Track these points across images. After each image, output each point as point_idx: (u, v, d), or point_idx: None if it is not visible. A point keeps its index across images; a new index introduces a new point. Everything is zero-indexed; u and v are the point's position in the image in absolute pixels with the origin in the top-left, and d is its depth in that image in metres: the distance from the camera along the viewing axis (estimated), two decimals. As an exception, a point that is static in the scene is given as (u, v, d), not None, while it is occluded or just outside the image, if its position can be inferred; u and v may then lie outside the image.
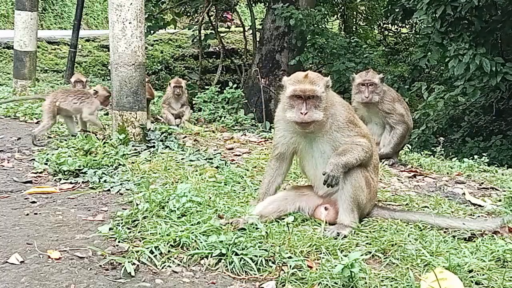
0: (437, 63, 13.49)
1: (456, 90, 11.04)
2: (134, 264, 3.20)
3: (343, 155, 3.89)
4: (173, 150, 5.96)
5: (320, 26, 14.53)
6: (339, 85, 13.53)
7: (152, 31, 15.96)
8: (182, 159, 5.64)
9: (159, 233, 3.52)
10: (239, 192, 4.65)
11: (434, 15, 10.79)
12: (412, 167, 6.60)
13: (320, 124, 3.93)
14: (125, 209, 4.04)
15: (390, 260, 3.43)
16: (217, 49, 20.38)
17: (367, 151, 3.98)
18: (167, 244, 3.40)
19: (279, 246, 3.39)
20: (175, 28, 18.07)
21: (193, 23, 18.02)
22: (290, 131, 4.12)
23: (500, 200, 5.12)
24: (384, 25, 25.31)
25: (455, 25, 11.19)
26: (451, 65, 10.44)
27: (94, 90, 6.90)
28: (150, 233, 3.57)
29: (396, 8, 15.26)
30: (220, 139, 6.99)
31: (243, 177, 5.08)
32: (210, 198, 4.28)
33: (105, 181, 4.91)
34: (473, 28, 11.19)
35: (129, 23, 5.99)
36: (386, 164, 6.31)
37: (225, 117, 9.66)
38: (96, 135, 6.37)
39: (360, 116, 5.46)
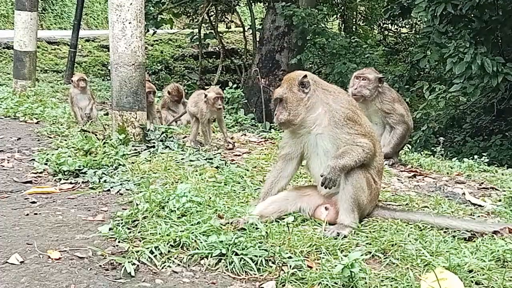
0: (437, 63, 13.50)
1: (455, 87, 11.00)
2: (134, 264, 3.20)
3: (341, 158, 3.89)
4: (173, 150, 5.96)
5: (321, 26, 14.54)
6: (340, 85, 13.53)
7: (150, 30, 15.93)
8: (182, 159, 5.63)
9: (159, 233, 3.52)
10: (239, 192, 4.65)
11: (433, 13, 10.78)
12: (412, 167, 6.60)
13: (290, 123, 4.06)
14: (125, 209, 4.04)
15: (390, 260, 3.43)
16: (217, 49, 20.41)
17: (368, 152, 3.97)
18: (167, 244, 3.40)
19: (279, 246, 3.39)
20: (171, 28, 18.09)
21: (193, 23, 18.03)
22: (297, 132, 4.14)
23: (500, 200, 5.13)
24: (384, 25, 25.34)
25: (455, 22, 11.19)
26: (450, 62, 10.43)
27: (204, 93, 6.63)
28: (150, 233, 3.56)
29: (394, 5, 15.29)
30: (220, 139, 6.98)
31: (243, 177, 5.08)
32: (210, 198, 4.27)
33: (105, 181, 4.90)
34: (473, 25, 11.19)
35: (129, 23, 5.99)
36: (386, 164, 6.30)
37: (225, 117, 9.66)
38: (96, 135, 6.37)
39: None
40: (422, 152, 7.84)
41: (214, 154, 5.85)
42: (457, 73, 10.58)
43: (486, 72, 10.16)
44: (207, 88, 7.70)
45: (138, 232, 3.61)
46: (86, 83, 8.27)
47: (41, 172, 5.25)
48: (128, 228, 3.70)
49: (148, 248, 3.34)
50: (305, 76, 4.06)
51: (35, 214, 4.08)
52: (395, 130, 6.45)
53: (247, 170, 5.37)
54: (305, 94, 4.03)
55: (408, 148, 8.12)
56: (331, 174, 3.85)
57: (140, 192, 4.40)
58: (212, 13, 18.87)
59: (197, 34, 17.46)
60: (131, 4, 5.99)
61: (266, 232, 3.59)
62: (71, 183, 4.95)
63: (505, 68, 10.30)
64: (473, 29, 11.24)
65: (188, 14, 19.91)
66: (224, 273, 3.21)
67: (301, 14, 13.66)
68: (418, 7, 11.14)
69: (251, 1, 18.16)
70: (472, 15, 11.23)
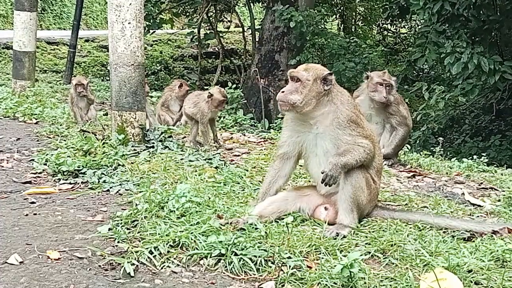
0: (435, 62, 13.49)
1: (456, 90, 11.04)
2: (133, 264, 3.20)
3: (343, 156, 3.90)
4: (173, 150, 5.96)
5: (320, 27, 14.55)
6: (339, 84, 13.52)
7: (150, 31, 15.94)
8: (181, 159, 5.63)
9: (159, 234, 3.52)
10: (239, 193, 4.65)
11: (430, 11, 10.79)
12: (411, 167, 6.60)
13: (296, 108, 4.01)
14: (125, 209, 4.04)
15: (389, 260, 3.43)
16: (217, 49, 20.40)
17: (368, 153, 3.99)
18: (167, 244, 3.40)
19: (279, 246, 3.39)
20: (172, 28, 18.06)
21: (192, 23, 18.02)
22: (297, 130, 4.15)
23: (499, 200, 5.13)
24: (383, 25, 25.35)
25: (452, 21, 11.20)
26: (447, 62, 10.43)
27: (209, 93, 6.59)
28: (150, 234, 3.56)
29: (393, 6, 15.30)
30: (219, 139, 6.97)
31: (242, 177, 5.08)
32: (209, 198, 4.27)
33: (104, 181, 4.90)
34: (470, 25, 11.20)
35: (128, 23, 5.99)
36: (385, 164, 6.30)
37: (224, 117, 9.66)
38: (95, 135, 6.37)
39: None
40: (421, 152, 7.84)
41: (213, 155, 5.85)
42: (454, 73, 10.60)
43: (483, 71, 10.17)
44: (207, 89, 7.69)
45: (138, 232, 3.61)
46: (84, 87, 8.16)
47: (40, 173, 5.25)
48: (128, 229, 3.70)
49: (147, 248, 3.34)
50: (331, 73, 4.12)
51: (35, 214, 4.08)
52: (397, 131, 6.48)
53: (247, 170, 5.37)
54: (323, 90, 4.05)
55: (408, 148, 8.12)
56: (332, 171, 3.86)
57: (140, 192, 4.40)
58: (212, 13, 18.86)
59: (197, 34, 17.46)
60: (130, 4, 5.98)
61: (266, 232, 3.59)
62: (70, 183, 4.95)
63: (503, 66, 10.30)
64: (470, 28, 11.25)
65: (187, 14, 19.90)
66: (224, 273, 3.21)
67: (298, 17, 13.66)
68: (416, 5, 11.13)
69: (250, 1, 18.15)
70: (469, 15, 11.24)
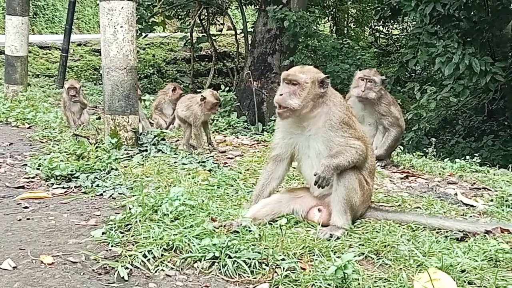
0: (428, 63, 13.53)
1: (445, 89, 11.06)
2: (127, 268, 3.20)
3: (335, 157, 3.91)
4: (166, 153, 5.95)
5: (313, 28, 14.58)
6: (332, 86, 13.54)
7: (142, 34, 15.93)
8: (174, 162, 5.63)
9: (152, 237, 3.52)
10: (232, 195, 4.66)
11: (422, 12, 10.82)
12: (404, 168, 6.62)
13: (295, 112, 3.97)
14: (118, 213, 4.03)
15: (383, 261, 3.44)
16: (209, 52, 20.42)
17: (360, 154, 4.00)
18: (160, 247, 3.40)
19: (273, 249, 3.40)
20: (164, 30, 18.04)
21: (185, 26, 18.03)
22: (289, 132, 4.15)
23: (492, 200, 5.15)
24: (375, 27, 25.44)
25: (444, 22, 11.23)
26: (439, 61, 10.46)
27: (202, 96, 6.53)
28: (143, 237, 3.56)
29: (385, 7, 15.34)
30: (212, 142, 6.97)
31: (236, 180, 5.08)
32: (203, 201, 4.27)
33: (97, 185, 4.90)
34: (461, 26, 11.24)
35: (121, 27, 5.99)
36: (378, 166, 6.31)
37: (217, 120, 9.66)
38: (88, 139, 6.36)
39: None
40: (414, 153, 7.86)
41: (207, 157, 5.85)
42: (446, 75, 10.63)
43: (474, 72, 10.21)
44: (200, 92, 7.69)
45: (131, 236, 3.61)
46: (77, 91, 8.13)
47: (33, 177, 5.24)
48: (121, 232, 3.70)
49: (141, 252, 3.34)
50: (328, 77, 4.11)
51: (28, 219, 4.06)
52: (389, 133, 6.48)
53: (240, 173, 5.37)
54: (320, 92, 4.04)
55: (400, 149, 8.13)
56: (325, 172, 3.86)
57: (133, 196, 4.40)
58: (204, 16, 18.87)
59: (189, 37, 17.46)
60: (122, 8, 5.98)
61: (259, 235, 3.59)
62: (63, 187, 4.94)
63: (494, 67, 10.35)
64: (461, 29, 11.29)
65: (180, 17, 19.91)
66: (218, 276, 3.22)
67: (292, 17, 13.69)
68: (407, 6, 11.17)
69: (243, 4, 18.17)
70: (461, 15, 11.28)
